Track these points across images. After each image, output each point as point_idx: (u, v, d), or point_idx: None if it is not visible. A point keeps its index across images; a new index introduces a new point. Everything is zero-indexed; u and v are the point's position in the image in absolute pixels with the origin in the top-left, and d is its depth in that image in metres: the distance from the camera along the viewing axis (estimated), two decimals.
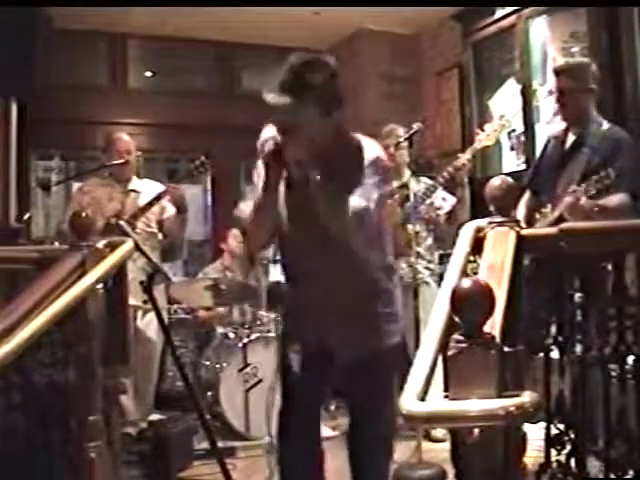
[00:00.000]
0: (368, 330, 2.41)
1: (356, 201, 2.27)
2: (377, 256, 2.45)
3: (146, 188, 4.25)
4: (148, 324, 4.05)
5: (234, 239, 5.49)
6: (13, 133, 5.05)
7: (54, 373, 2.09)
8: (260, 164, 2.39)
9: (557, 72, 3.50)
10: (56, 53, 5.13)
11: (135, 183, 4.29)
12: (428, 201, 4.24)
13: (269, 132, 2.41)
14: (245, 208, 2.48)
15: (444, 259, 4.38)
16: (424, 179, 4.31)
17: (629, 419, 1.90)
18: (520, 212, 3.36)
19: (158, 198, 4.03)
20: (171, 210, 4.19)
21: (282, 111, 2.26)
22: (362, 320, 2.40)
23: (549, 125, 4.93)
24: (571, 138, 3.39)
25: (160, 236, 4.24)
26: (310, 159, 2.28)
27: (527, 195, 3.59)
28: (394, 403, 2.56)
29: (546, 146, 3.64)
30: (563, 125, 3.53)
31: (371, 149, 2.38)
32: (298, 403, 2.47)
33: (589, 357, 1.96)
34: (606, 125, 3.36)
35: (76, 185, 6.15)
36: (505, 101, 5.34)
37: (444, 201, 4.28)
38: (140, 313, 4.02)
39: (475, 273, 1.82)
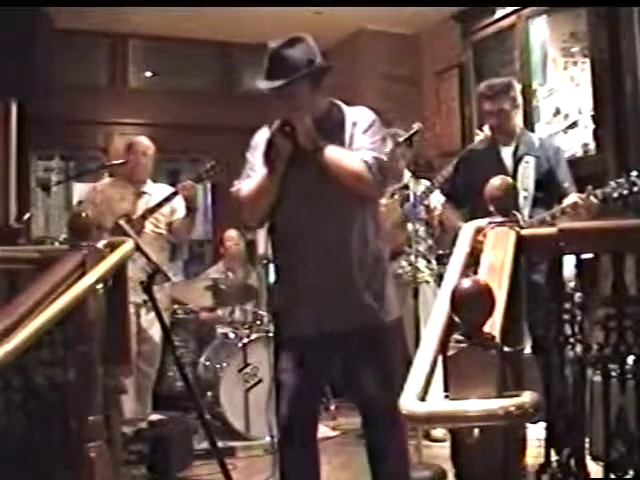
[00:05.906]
0: (365, 308, 2.41)
1: (368, 155, 2.35)
2: (374, 235, 2.49)
3: (158, 191, 4.31)
4: (151, 323, 4.06)
5: (230, 240, 5.49)
6: (13, 133, 5.05)
7: (54, 373, 2.09)
8: (257, 145, 2.48)
9: (484, 96, 3.61)
10: (56, 53, 5.11)
11: (149, 186, 4.34)
12: (426, 202, 4.25)
13: (265, 132, 2.46)
14: (243, 186, 2.51)
15: (444, 259, 4.37)
16: (423, 180, 4.32)
17: (629, 419, 1.90)
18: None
19: (167, 199, 4.09)
20: (181, 212, 4.23)
21: (277, 94, 2.34)
22: (359, 300, 2.40)
23: (549, 125, 4.93)
24: (507, 150, 3.55)
25: (168, 236, 4.29)
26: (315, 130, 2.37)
27: (448, 206, 3.75)
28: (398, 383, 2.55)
29: (466, 160, 3.73)
30: (485, 140, 3.67)
31: (364, 112, 2.48)
32: (298, 405, 2.45)
33: (589, 357, 1.96)
34: (533, 135, 3.68)
35: (76, 185, 6.21)
36: None
37: (439, 203, 4.29)
38: (144, 311, 4.04)
39: (475, 273, 1.82)
